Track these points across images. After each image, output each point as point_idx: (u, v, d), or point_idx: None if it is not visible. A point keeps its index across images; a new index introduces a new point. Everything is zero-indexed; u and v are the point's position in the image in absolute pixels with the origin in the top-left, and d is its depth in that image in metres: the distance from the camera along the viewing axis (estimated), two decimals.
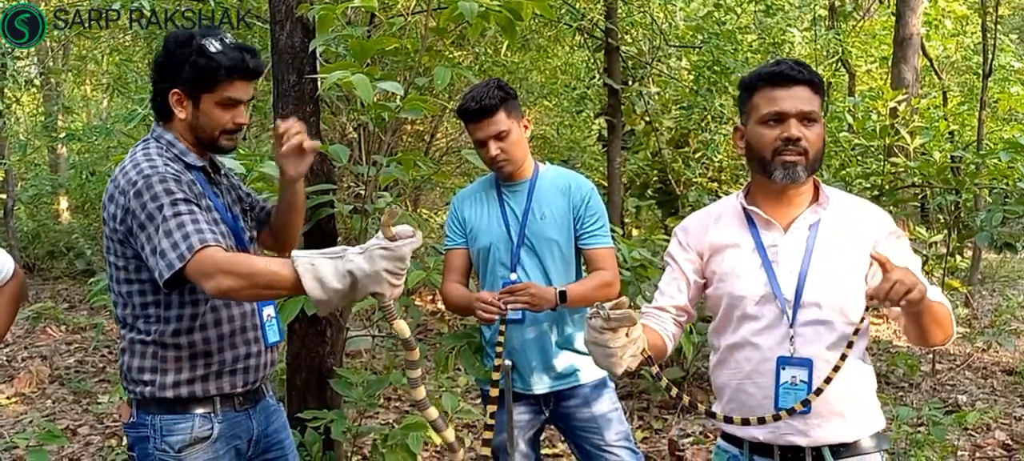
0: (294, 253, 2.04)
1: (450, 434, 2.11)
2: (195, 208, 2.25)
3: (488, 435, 2.92)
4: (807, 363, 2.22)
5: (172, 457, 2.42)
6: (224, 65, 2.38)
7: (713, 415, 2.32)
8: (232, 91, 2.42)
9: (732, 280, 2.32)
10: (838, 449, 2.25)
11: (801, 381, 2.22)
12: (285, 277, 2.04)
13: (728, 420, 2.27)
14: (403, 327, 2.03)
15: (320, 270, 1.99)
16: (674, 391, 2.26)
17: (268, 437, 2.63)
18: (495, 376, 2.96)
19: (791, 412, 2.16)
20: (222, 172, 2.62)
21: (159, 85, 2.45)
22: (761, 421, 2.19)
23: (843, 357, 2.15)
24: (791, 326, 2.24)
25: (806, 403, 2.15)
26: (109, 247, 2.41)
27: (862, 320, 2.18)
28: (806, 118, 2.22)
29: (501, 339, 3.00)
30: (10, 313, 2.88)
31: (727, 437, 2.42)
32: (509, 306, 2.95)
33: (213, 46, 2.38)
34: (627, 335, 2.01)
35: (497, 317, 2.97)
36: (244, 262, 2.14)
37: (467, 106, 3.05)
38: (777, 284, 2.26)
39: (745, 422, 2.22)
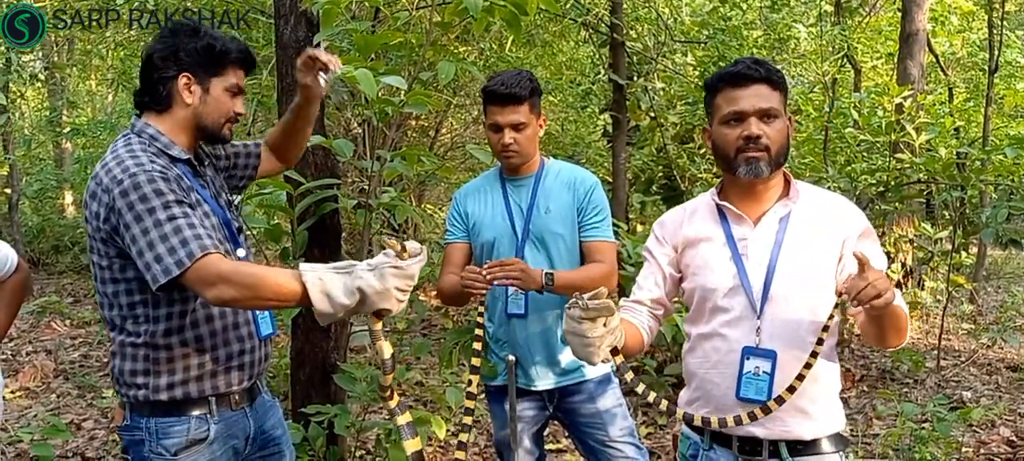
0: (302, 266, 2.05)
1: (411, 446, 2.16)
2: (189, 209, 2.22)
3: (467, 420, 2.87)
4: (771, 354, 2.26)
5: (168, 460, 2.38)
6: (234, 50, 2.42)
7: (674, 412, 2.37)
8: (238, 78, 2.45)
9: (704, 273, 2.37)
10: (796, 446, 2.28)
11: (764, 372, 2.26)
12: (292, 291, 2.06)
13: (706, 422, 2.31)
14: (386, 348, 2.08)
15: (329, 285, 2.01)
16: (652, 396, 2.29)
17: (264, 433, 2.60)
18: (476, 346, 2.92)
19: (766, 410, 2.19)
20: (205, 163, 2.57)
21: (162, 74, 2.39)
22: (737, 421, 2.23)
23: (814, 354, 2.19)
24: (758, 317, 2.28)
25: (781, 400, 2.18)
26: (92, 246, 2.35)
27: (830, 317, 2.21)
28: (765, 115, 2.27)
29: (480, 320, 2.97)
30: (13, 307, 2.87)
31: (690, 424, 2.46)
32: (495, 279, 2.94)
33: (218, 35, 2.43)
34: (605, 325, 2.04)
35: (485, 290, 2.95)
36: (249, 273, 2.12)
37: (495, 88, 3.04)
38: (746, 276, 2.30)
39: (722, 424, 2.26)
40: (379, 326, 2.08)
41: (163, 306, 2.32)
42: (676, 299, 2.56)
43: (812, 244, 2.29)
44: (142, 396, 2.36)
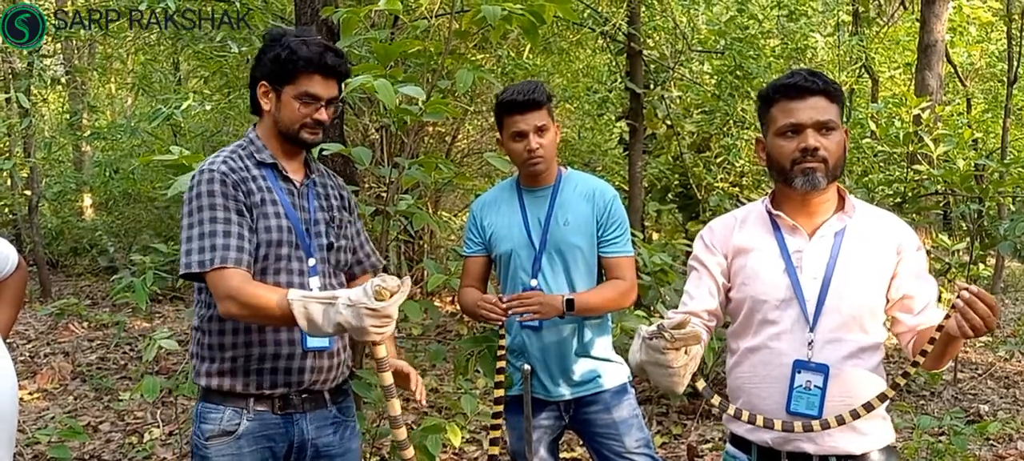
0: (291, 293, 2.22)
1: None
2: (234, 216, 2.39)
3: (495, 434, 2.92)
4: (823, 369, 2.23)
5: (202, 444, 2.50)
6: (302, 57, 2.48)
7: (739, 416, 2.29)
8: (310, 85, 2.50)
9: (755, 283, 2.33)
10: None
11: (815, 386, 2.24)
12: (284, 313, 2.23)
13: (749, 419, 2.26)
14: (387, 378, 2.19)
15: (311, 312, 2.18)
16: (717, 401, 2.26)
17: (315, 446, 2.61)
18: (499, 379, 2.97)
19: (824, 425, 2.16)
20: (313, 175, 2.66)
21: (251, 83, 2.59)
22: (768, 426, 2.20)
23: (883, 398, 2.16)
24: (811, 331, 2.25)
25: (842, 420, 2.15)
26: None
27: (939, 328, 2.13)
28: (823, 127, 2.24)
29: (503, 346, 3.01)
30: (16, 305, 2.93)
31: (736, 442, 2.42)
32: (514, 312, 2.99)
33: (296, 42, 2.49)
34: (687, 353, 2.00)
35: (501, 319, 3.00)
36: (250, 294, 2.30)
37: (514, 97, 3.05)
38: (800, 289, 2.27)
39: (751, 421, 2.22)
40: (385, 357, 2.18)
41: (207, 293, 2.46)
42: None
43: (867, 260, 2.27)
44: (195, 379, 2.55)
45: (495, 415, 2.93)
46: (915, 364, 2.17)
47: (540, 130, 3.05)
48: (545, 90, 3.09)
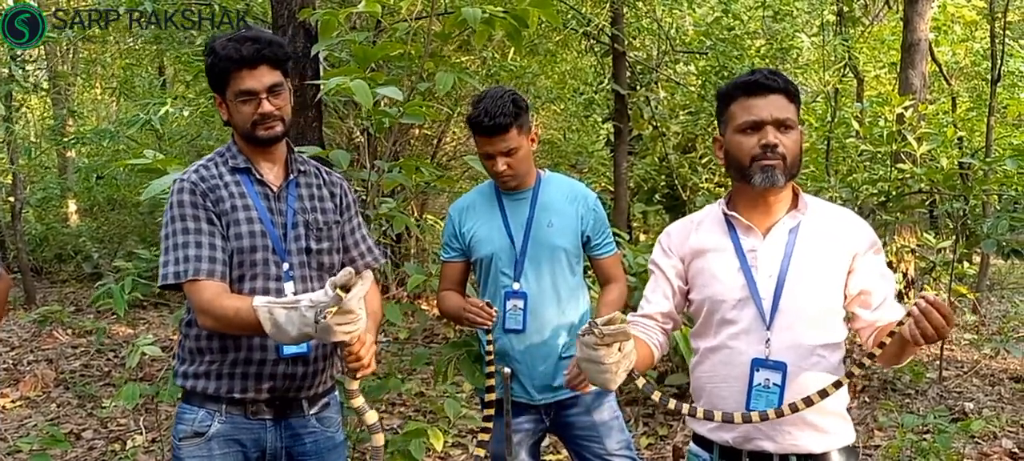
0: (256, 301, 2.22)
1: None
2: (204, 225, 2.40)
3: (484, 437, 2.92)
4: (781, 367, 2.24)
5: (176, 444, 2.51)
6: (223, 58, 2.44)
7: (693, 414, 2.31)
8: (240, 83, 2.45)
9: (712, 284, 2.35)
10: (806, 460, 2.27)
11: (774, 384, 2.24)
12: (252, 321, 2.22)
13: (708, 416, 2.26)
14: (370, 414, 2.29)
15: (276, 317, 2.17)
16: (672, 403, 2.26)
17: (289, 455, 2.59)
18: (490, 383, 2.97)
19: (778, 413, 2.17)
20: (295, 176, 2.60)
21: None
22: (728, 421, 2.21)
23: (838, 385, 2.16)
24: (768, 329, 2.26)
25: (795, 407, 2.15)
26: None
27: (891, 334, 2.14)
28: (782, 125, 2.25)
29: (491, 349, 3.04)
30: (0, 315, 2.90)
31: (698, 441, 2.43)
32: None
33: (220, 44, 2.44)
34: (620, 350, 2.00)
35: (488, 324, 3.01)
36: (223, 306, 2.32)
37: (480, 120, 2.99)
38: (755, 287, 2.28)
39: (728, 419, 2.22)
40: (356, 386, 2.26)
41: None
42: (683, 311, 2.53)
43: (822, 256, 2.27)
44: (175, 380, 2.57)
45: (485, 417, 2.95)
46: (870, 356, 2.17)
47: (508, 153, 3.02)
48: (514, 108, 2.99)
